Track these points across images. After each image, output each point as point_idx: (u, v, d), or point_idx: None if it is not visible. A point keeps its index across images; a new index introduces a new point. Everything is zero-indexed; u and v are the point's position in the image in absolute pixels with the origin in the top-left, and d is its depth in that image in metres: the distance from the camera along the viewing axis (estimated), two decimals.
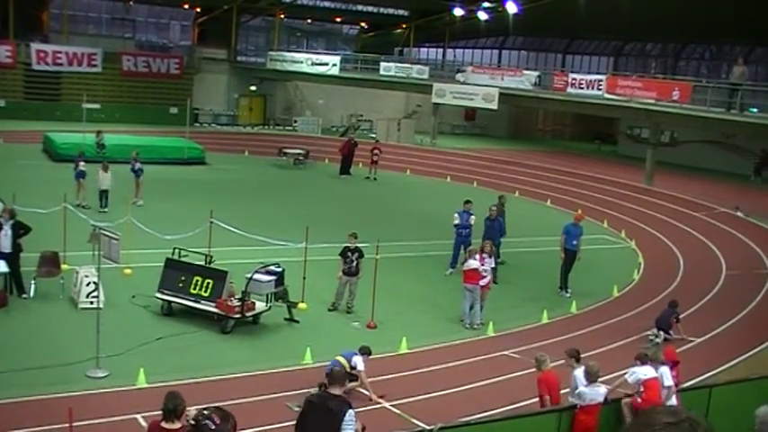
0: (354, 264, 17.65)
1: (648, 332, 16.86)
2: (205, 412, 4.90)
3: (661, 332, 16.68)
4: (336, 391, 8.04)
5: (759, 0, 37.95)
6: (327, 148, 42.72)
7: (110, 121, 41.01)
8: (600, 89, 36.51)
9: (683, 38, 50.20)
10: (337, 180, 36.75)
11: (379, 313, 17.04)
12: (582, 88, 37.56)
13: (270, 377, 13.90)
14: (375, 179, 36.87)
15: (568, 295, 20.36)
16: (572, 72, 42.33)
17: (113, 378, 13.15)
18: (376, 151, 37.28)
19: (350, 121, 50.62)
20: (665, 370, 11.32)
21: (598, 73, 43.01)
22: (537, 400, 11.40)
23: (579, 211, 24.10)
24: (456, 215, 21.81)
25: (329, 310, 17.85)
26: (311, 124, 48.98)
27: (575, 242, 20.79)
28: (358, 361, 12.98)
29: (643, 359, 11.46)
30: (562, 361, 11.74)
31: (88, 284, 16.24)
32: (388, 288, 18.34)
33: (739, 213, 29.15)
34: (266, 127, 50.73)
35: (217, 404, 7.28)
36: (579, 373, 10.82)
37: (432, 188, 36.08)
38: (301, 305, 17.40)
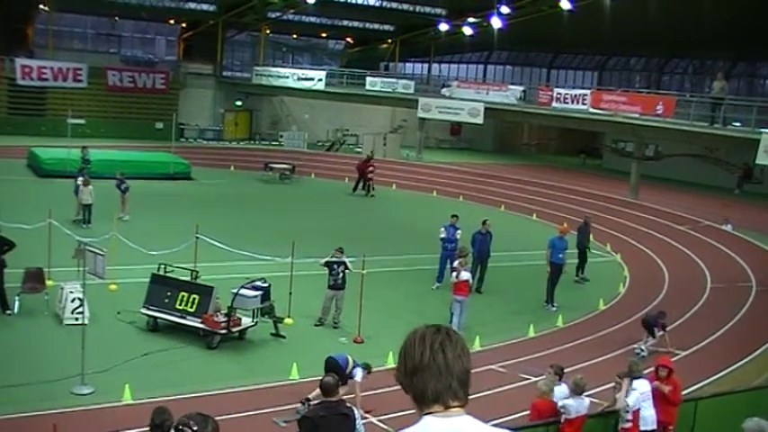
0: (340, 276, 17.65)
1: (635, 345, 16.91)
2: (184, 419, 4.91)
3: (648, 337, 16.73)
4: (337, 397, 8.25)
5: (741, 16, 38.37)
6: (313, 163, 42.79)
7: (95, 137, 40.82)
8: (584, 103, 36.72)
9: (667, 52, 50.57)
10: (323, 194, 36.76)
11: (365, 328, 17.03)
12: (567, 103, 37.76)
13: (256, 393, 13.86)
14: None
15: (554, 309, 20.41)
16: (557, 87, 42.54)
17: (99, 394, 13.07)
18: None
19: (336, 136, 50.65)
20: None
21: (583, 87, 43.29)
22: (523, 413, 11.39)
23: (564, 225, 24.17)
24: (442, 229, 21.88)
25: (316, 325, 17.83)
26: (297, 139, 48.97)
27: (560, 255, 20.86)
28: (357, 372, 12.99)
29: (635, 374, 11.24)
30: (543, 377, 11.75)
31: (73, 300, 16.16)
32: (375, 302, 18.34)
33: (728, 227, 29.30)
34: (252, 142, 50.74)
35: None
36: (558, 391, 10.81)
37: (418, 202, 36.13)
38: (288, 320, 17.35)
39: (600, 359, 16.08)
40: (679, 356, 16.12)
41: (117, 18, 51.30)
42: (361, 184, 37.20)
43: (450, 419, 2.60)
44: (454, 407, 2.62)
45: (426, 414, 2.63)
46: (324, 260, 17.88)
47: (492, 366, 15.44)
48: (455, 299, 17.89)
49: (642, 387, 11.05)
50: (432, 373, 2.63)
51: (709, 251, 26.52)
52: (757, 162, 28.96)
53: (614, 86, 46.89)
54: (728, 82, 35.73)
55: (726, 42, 42.02)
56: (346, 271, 17.66)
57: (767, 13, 37.44)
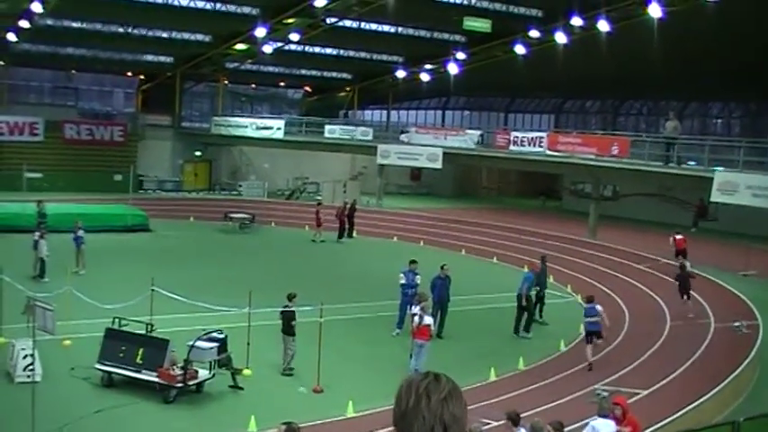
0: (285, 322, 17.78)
1: (596, 386, 16.88)
2: None
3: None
4: None
5: (690, 59, 39.24)
6: (273, 212, 42.65)
7: (53, 190, 40.37)
8: (542, 146, 37.14)
9: (621, 94, 51.49)
10: (283, 243, 36.61)
11: (325, 377, 16.82)
12: (524, 145, 38.16)
13: None
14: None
15: (530, 336, 21.58)
16: (514, 130, 43.05)
17: None
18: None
19: (296, 184, 50.61)
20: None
21: (540, 130, 43.81)
22: None
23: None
24: (401, 275, 21.84)
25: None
26: (257, 188, 48.88)
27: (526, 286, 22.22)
28: None
29: (603, 412, 11.19)
30: (503, 422, 11.65)
31: (24, 357, 15.79)
32: (335, 350, 18.15)
33: (687, 264, 29.52)
34: (212, 192, 50.51)
35: None
36: None
37: (379, 248, 36.08)
38: (246, 371, 17.11)
39: (561, 401, 16.00)
40: (640, 396, 16.11)
41: (74, 71, 51.11)
42: (345, 230, 37.78)
43: None
44: None
45: None
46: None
47: None
48: (416, 343, 17.83)
49: (605, 428, 10.99)
50: (415, 417, 2.66)
51: (667, 289, 26.65)
52: (711, 199, 29.45)
53: (571, 128, 47.60)
54: (681, 122, 36.41)
55: (678, 83, 42.88)
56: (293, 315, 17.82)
57: (715, 56, 38.34)
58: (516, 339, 21.97)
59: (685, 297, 23.34)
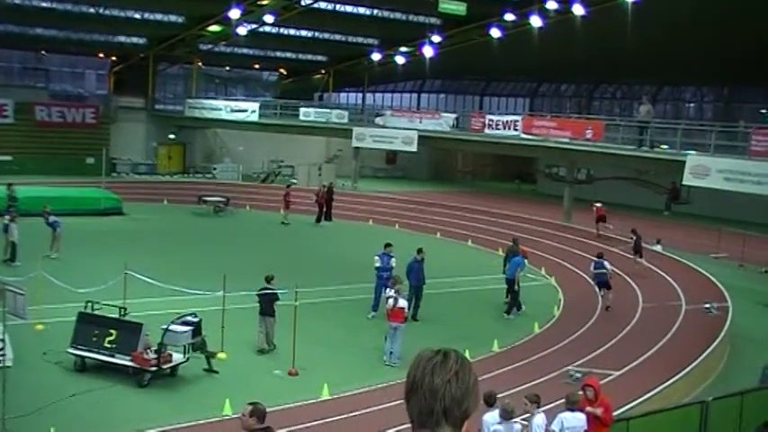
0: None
1: (569, 367, 17.02)
2: None
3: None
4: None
5: (664, 44, 39.45)
6: (248, 195, 42.49)
7: (23, 173, 39.88)
8: (516, 129, 37.21)
9: (595, 78, 51.72)
10: (258, 226, 36.52)
11: (300, 359, 16.82)
12: (499, 129, 38.22)
13: (188, 431, 13.54)
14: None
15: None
16: (489, 113, 43.09)
17: None
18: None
19: (271, 168, 50.41)
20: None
21: (515, 113, 43.89)
22: None
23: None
24: (377, 258, 21.84)
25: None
26: (231, 171, 48.64)
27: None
28: None
29: (572, 406, 11.20)
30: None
31: None
32: (310, 334, 18.15)
33: (658, 247, 29.85)
34: (186, 175, 50.15)
35: None
36: (491, 416, 10.80)
37: (354, 232, 36.06)
38: (221, 355, 17.08)
39: (535, 382, 16.11)
40: (612, 377, 16.27)
41: (44, 52, 50.46)
42: (323, 214, 37.68)
43: None
44: None
45: None
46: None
47: None
48: (391, 326, 17.90)
49: (574, 422, 11.01)
50: (419, 396, 2.64)
51: (640, 271, 26.94)
52: (684, 183, 29.71)
53: (546, 112, 47.75)
54: (654, 106, 36.66)
55: (650, 68, 43.14)
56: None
57: (688, 41, 38.58)
58: (492, 322, 22.08)
59: (637, 256, 26.97)
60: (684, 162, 28.13)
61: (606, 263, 23.29)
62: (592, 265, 23.87)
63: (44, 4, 42.21)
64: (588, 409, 11.32)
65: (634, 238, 27.38)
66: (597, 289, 23.63)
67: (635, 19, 34.98)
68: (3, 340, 14.94)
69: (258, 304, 18.06)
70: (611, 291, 23.10)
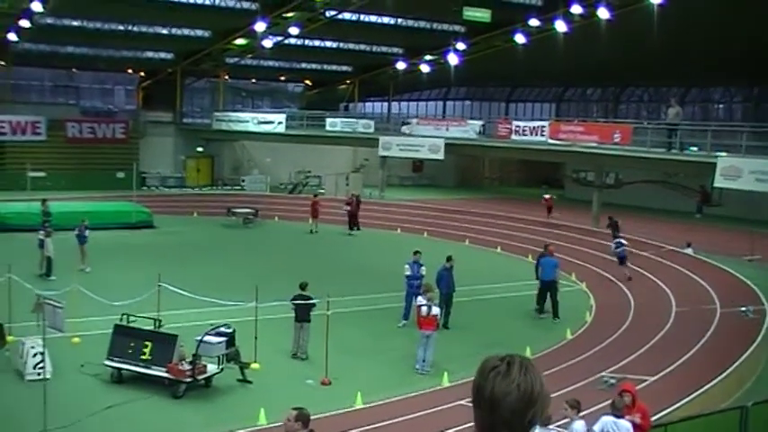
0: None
1: (603, 373, 16.93)
2: None
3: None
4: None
5: (691, 45, 39.16)
6: (276, 206, 42.72)
7: (56, 189, 40.42)
8: (543, 135, 37.12)
9: (622, 81, 51.41)
10: (287, 237, 36.69)
11: (332, 369, 16.88)
12: (525, 135, 38.15)
13: None
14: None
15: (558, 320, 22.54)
16: (515, 119, 43.01)
17: None
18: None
19: (298, 178, 50.64)
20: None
21: (541, 119, 43.76)
22: None
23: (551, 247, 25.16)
24: (407, 266, 21.88)
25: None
26: (259, 183, 48.93)
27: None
28: None
29: (618, 412, 11.05)
30: None
31: (35, 355, 15.85)
32: (342, 343, 18.22)
33: (689, 250, 29.59)
34: (214, 187, 50.53)
35: None
36: None
37: (382, 240, 36.12)
38: (254, 365, 17.18)
39: (568, 389, 16.04)
40: (647, 382, 16.16)
41: (75, 70, 51.16)
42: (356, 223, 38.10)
43: None
44: None
45: None
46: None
47: (461, 402, 15.34)
48: (423, 334, 17.89)
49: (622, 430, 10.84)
50: (481, 408, 2.56)
51: (672, 275, 26.74)
52: (715, 185, 29.43)
53: (572, 117, 47.52)
54: (683, 108, 36.37)
55: (678, 70, 42.81)
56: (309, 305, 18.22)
57: (716, 41, 38.26)
58: (524, 328, 22.07)
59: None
60: (715, 164, 27.86)
61: (624, 241, 27.57)
62: (612, 246, 27.85)
63: (75, 23, 42.85)
64: (627, 418, 11.23)
65: (608, 222, 30.32)
66: (619, 263, 27.09)
67: (660, 20, 34.75)
68: (42, 353, 15.18)
69: (293, 311, 18.16)
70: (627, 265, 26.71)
